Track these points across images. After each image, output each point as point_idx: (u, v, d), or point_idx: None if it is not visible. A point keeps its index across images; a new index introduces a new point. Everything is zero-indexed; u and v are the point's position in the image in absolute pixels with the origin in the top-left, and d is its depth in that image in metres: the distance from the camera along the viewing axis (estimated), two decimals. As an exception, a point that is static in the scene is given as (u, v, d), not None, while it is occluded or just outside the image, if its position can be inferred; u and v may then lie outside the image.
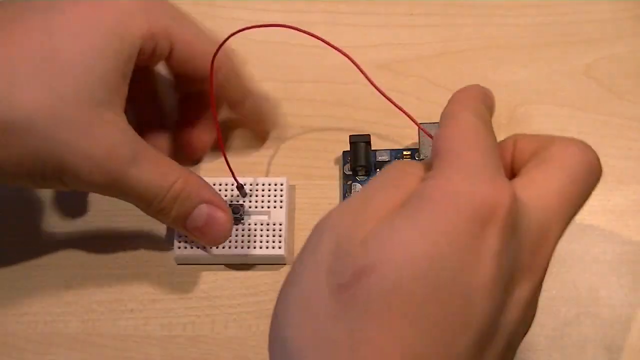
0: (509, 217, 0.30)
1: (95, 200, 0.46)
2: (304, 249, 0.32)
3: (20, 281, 0.45)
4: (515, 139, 0.36)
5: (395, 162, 0.35)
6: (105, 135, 0.38)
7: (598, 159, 0.34)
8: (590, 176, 0.34)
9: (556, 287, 0.44)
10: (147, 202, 0.40)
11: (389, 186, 0.32)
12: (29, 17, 0.38)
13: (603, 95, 0.48)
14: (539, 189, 0.32)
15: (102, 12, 0.39)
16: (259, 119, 0.47)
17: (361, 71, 0.40)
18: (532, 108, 0.48)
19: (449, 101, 0.36)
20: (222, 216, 0.42)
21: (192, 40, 0.41)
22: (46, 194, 0.46)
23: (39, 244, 0.45)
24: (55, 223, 0.46)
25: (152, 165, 0.40)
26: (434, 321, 0.28)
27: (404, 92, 0.48)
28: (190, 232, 0.42)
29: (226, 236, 0.43)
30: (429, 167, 0.33)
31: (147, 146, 0.40)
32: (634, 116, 0.48)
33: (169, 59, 0.42)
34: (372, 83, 0.40)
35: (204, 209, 0.41)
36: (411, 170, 0.33)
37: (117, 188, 0.39)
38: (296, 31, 0.39)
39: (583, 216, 0.45)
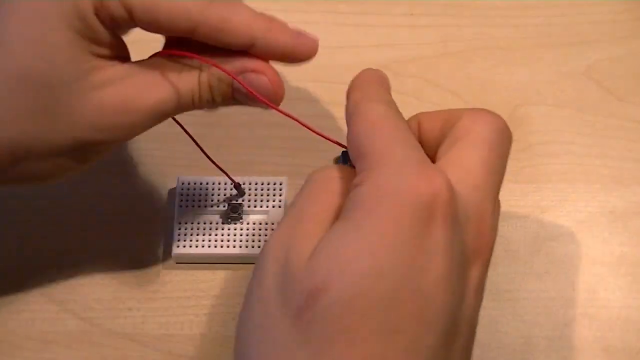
0: (448, 206, 0.29)
1: (94, 197, 0.46)
2: (253, 278, 0.31)
3: (19, 280, 0.44)
4: (418, 118, 0.35)
5: (314, 172, 0.34)
6: (90, 108, 0.35)
7: (505, 123, 0.34)
8: (504, 141, 0.33)
9: (555, 288, 0.44)
10: (188, 107, 0.37)
11: (318, 198, 0.32)
12: None
13: (603, 97, 0.48)
14: (463, 169, 0.32)
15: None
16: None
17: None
18: (532, 109, 0.48)
19: (347, 94, 0.35)
20: (261, 78, 0.37)
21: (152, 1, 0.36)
22: (44, 193, 0.46)
23: (38, 243, 0.45)
24: (53, 222, 0.46)
25: (160, 81, 0.36)
26: (397, 328, 0.28)
27: (404, 93, 0.48)
28: (250, 103, 0.38)
29: (280, 92, 0.37)
30: (347, 168, 0.32)
31: (145, 68, 0.37)
32: (633, 117, 0.48)
33: (135, 22, 0.37)
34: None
35: (242, 80, 0.37)
36: (334, 174, 0.33)
37: (156, 116, 0.37)
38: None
39: (582, 217, 0.46)
